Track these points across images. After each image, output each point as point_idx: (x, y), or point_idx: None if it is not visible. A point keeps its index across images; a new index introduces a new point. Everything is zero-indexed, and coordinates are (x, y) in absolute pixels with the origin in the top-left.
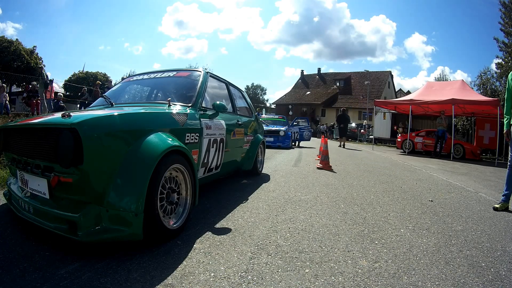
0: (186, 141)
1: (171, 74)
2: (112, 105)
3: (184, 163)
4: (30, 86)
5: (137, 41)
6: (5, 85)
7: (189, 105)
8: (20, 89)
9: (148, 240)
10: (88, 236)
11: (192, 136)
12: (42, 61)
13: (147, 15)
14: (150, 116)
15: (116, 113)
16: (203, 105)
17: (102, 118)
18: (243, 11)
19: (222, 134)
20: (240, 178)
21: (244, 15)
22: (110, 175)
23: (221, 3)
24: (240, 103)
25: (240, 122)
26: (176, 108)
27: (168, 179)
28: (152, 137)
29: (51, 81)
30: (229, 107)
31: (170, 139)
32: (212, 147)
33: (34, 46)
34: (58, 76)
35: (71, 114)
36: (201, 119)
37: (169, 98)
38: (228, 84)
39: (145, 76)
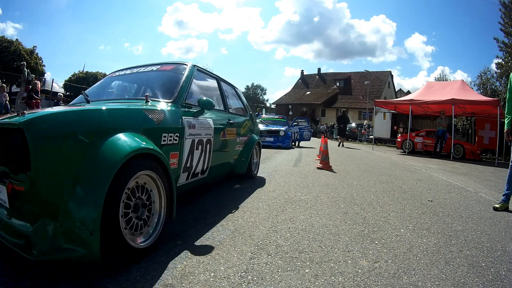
0: (163, 143)
1: (154, 68)
2: (88, 102)
3: (156, 169)
4: (30, 86)
5: (137, 41)
6: (5, 85)
7: (170, 101)
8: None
9: (109, 262)
10: (41, 255)
11: (171, 136)
12: (42, 61)
13: (147, 15)
14: (117, 114)
15: (73, 110)
16: (188, 102)
17: (54, 115)
18: (243, 11)
19: (209, 134)
20: (232, 182)
21: (244, 15)
22: (63, 184)
23: (221, 3)
24: (233, 100)
25: (231, 121)
26: (153, 104)
27: (136, 188)
28: (116, 139)
29: (33, 78)
30: (219, 104)
31: (139, 141)
32: (197, 149)
33: (34, 46)
34: (58, 76)
35: (26, 112)
36: (183, 117)
37: (147, 94)
38: (219, 80)
39: (128, 71)
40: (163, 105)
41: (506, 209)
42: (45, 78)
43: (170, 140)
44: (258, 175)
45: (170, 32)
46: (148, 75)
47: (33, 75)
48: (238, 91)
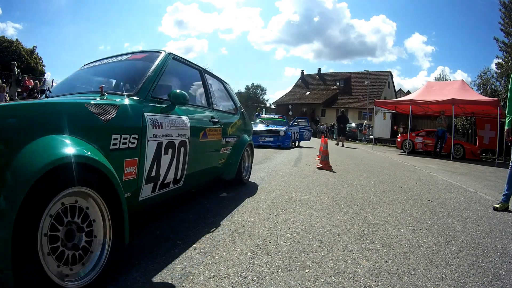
0: (113, 147)
1: (124, 57)
2: (47, 97)
3: (96, 184)
4: (30, 86)
5: (137, 41)
6: (5, 85)
7: (130, 94)
8: (19, 89)
9: None
10: None
11: (125, 138)
12: (42, 61)
13: (147, 15)
14: (47, 110)
15: None
16: (158, 96)
17: None
18: (243, 11)
19: (184, 135)
20: (218, 189)
21: (244, 15)
22: None
23: (221, 3)
24: (220, 96)
25: (216, 120)
26: (109, 98)
27: (67, 210)
28: (37, 144)
29: (24, 77)
30: (202, 100)
31: (72, 145)
32: (166, 153)
33: (34, 46)
34: (58, 76)
35: None
36: (146, 114)
37: (102, 85)
38: (203, 72)
39: (97, 63)
40: (119, 99)
41: (506, 209)
42: (45, 78)
43: (125, 144)
44: (250, 180)
45: (170, 32)
46: (116, 65)
47: (25, 75)
48: (228, 86)
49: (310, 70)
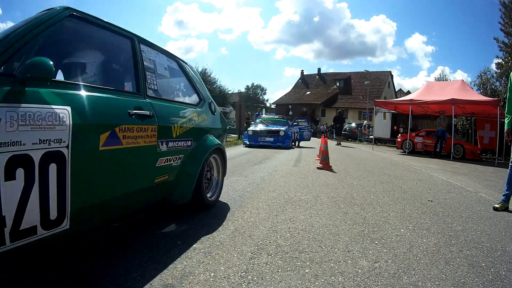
0: None
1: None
2: None
3: None
4: None
5: None
6: None
7: None
8: None
9: None
10: None
11: None
12: None
13: (147, 15)
14: None
15: None
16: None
17: None
18: (243, 11)
19: (56, 141)
20: (164, 215)
21: (244, 15)
22: None
23: (221, 3)
24: (169, 80)
25: (146, 113)
26: None
27: None
28: None
29: None
30: (124, 82)
31: None
32: (10, 177)
33: None
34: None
35: None
36: None
37: None
38: (136, 42)
39: None
40: None
41: (506, 209)
42: None
43: None
44: (223, 200)
45: (170, 32)
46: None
47: None
48: (187, 67)
49: (310, 70)
